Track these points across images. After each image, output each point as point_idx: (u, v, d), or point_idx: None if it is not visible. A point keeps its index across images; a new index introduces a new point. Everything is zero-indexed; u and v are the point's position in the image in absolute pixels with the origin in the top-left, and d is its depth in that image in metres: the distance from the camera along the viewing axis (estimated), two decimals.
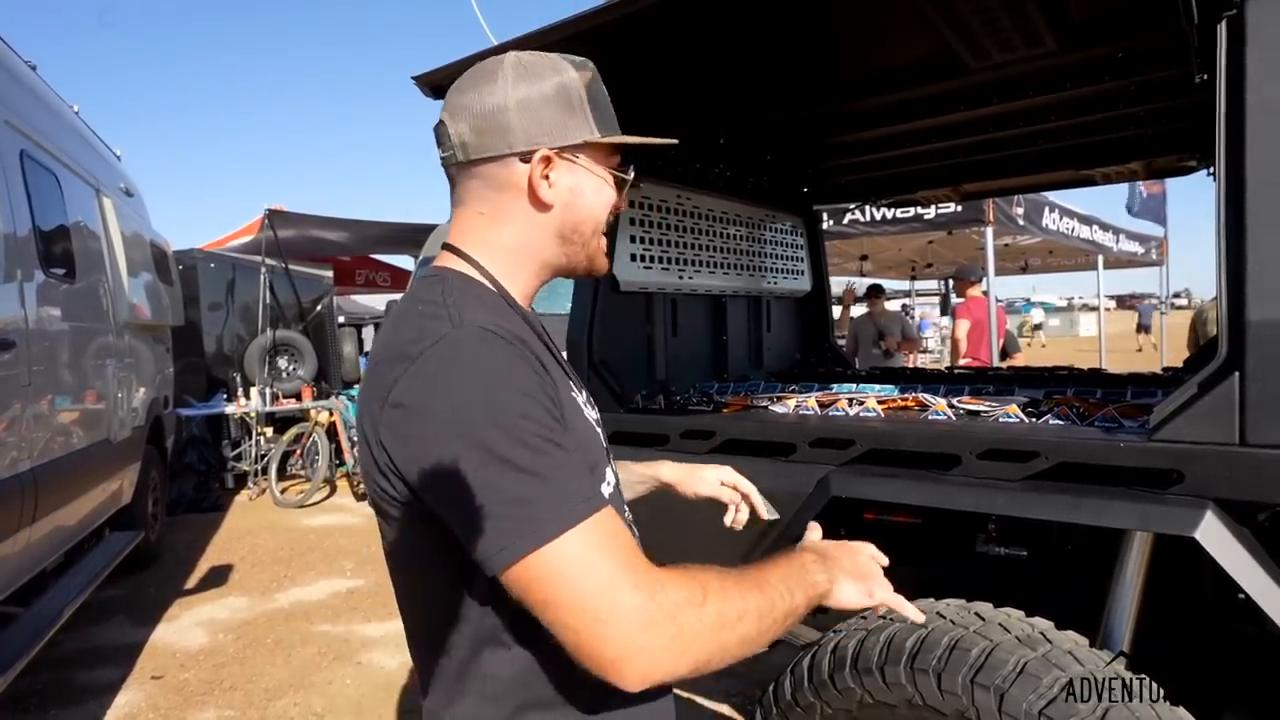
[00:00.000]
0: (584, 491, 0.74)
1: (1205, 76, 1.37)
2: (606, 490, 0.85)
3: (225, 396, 7.67)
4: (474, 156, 0.87)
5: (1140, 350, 19.30)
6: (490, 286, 0.89)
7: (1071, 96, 2.07)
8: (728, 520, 1.28)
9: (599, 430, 0.95)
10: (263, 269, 7.96)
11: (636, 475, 1.27)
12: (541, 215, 0.88)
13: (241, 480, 7.34)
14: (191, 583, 4.79)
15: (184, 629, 4.07)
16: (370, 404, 0.80)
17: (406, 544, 0.84)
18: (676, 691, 3.44)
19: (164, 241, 5.96)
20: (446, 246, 0.92)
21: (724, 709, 2.99)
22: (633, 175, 0.94)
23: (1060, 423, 1.68)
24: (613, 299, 2.33)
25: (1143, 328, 22.55)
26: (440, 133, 0.89)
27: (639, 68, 1.87)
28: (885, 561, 0.97)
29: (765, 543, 1.77)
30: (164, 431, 5.40)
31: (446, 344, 0.77)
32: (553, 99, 0.87)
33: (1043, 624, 1.38)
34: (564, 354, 0.98)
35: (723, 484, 1.27)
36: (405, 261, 11.77)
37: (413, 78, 1.79)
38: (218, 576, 4.86)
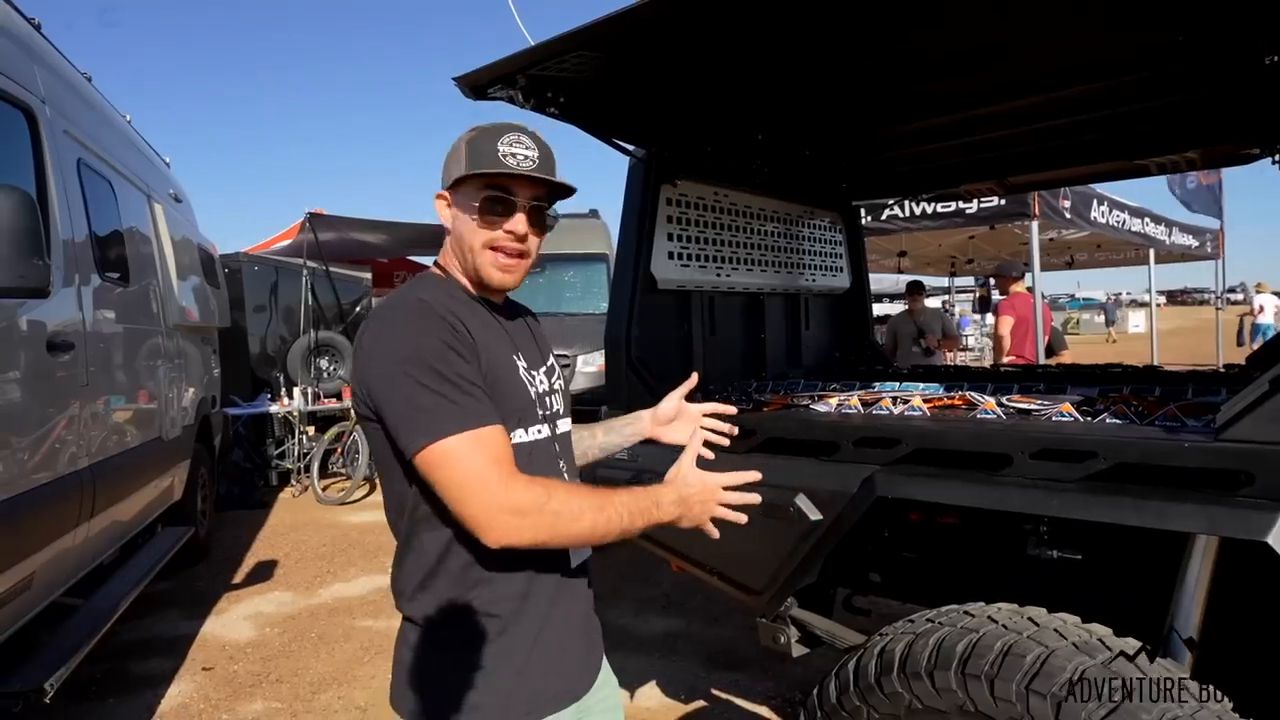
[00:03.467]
0: (477, 412, 1.09)
1: (1277, 58, 1.30)
2: (522, 436, 1.19)
3: (269, 396, 7.86)
4: None
5: (1111, 341, 23.04)
6: (448, 281, 1.26)
7: (1123, 83, 2.00)
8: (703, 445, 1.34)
9: (533, 389, 1.24)
10: (304, 271, 8.14)
11: (623, 435, 1.53)
12: (450, 236, 1.25)
13: (285, 478, 7.52)
14: (239, 577, 4.91)
15: (232, 622, 4.18)
16: (355, 346, 1.18)
17: (376, 451, 1.18)
18: (715, 693, 3.36)
19: (210, 245, 6.13)
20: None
21: (763, 710, 2.96)
22: (495, 201, 1.18)
23: (1118, 421, 1.62)
24: (650, 297, 2.32)
25: (1110, 323, 28.32)
26: None
27: (677, 62, 1.86)
28: (748, 480, 1.22)
29: (807, 544, 1.75)
30: (212, 430, 5.55)
31: (393, 307, 1.18)
32: (451, 154, 1.24)
33: (1100, 630, 1.33)
34: (536, 332, 1.34)
35: (704, 415, 1.50)
36: None
37: (454, 79, 1.82)
38: (264, 572, 4.98)
